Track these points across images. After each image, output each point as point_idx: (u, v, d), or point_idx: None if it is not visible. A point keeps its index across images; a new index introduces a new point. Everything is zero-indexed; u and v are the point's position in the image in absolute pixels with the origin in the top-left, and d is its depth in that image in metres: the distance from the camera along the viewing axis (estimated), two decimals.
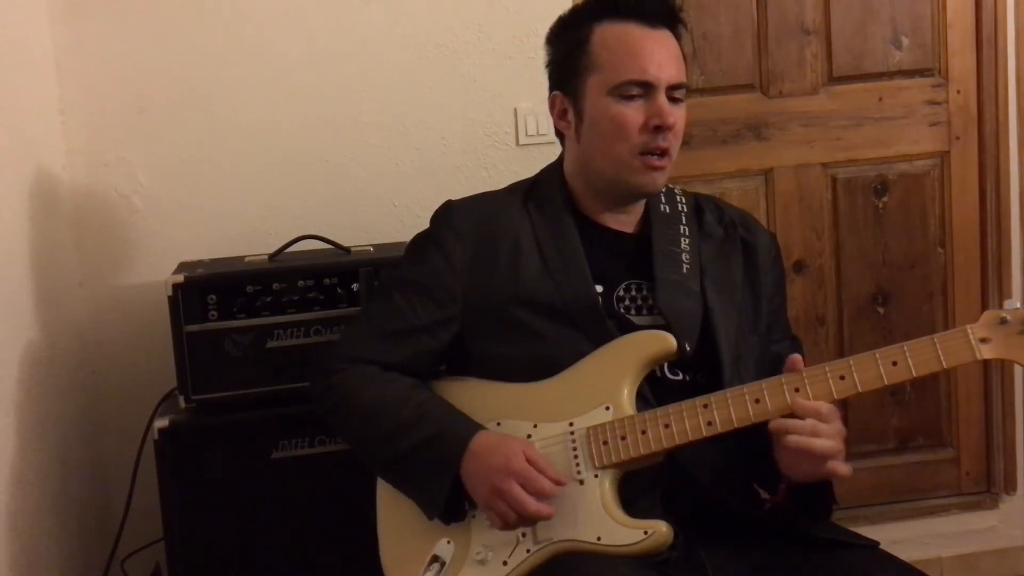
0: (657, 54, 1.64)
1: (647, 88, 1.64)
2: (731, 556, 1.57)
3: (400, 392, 1.67)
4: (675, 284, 1.68)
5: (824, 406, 1.50)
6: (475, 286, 1.69)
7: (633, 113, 1.64)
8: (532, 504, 1.50)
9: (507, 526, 1.53)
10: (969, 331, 1.47)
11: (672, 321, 1.64)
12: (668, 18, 1.68)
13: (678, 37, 1.70)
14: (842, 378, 1.50)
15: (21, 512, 1.94)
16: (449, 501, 1.58)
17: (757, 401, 1.51)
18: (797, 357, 1.54)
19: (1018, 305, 1.48)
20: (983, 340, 1.47)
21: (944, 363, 1.47)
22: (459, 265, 1.70)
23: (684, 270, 1.70)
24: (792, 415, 1.50)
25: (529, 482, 1.51)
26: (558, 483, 1.53)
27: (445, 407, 1.66)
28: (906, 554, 1.61)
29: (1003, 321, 1.47)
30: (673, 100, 1.66)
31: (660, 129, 1.63)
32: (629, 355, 1.59)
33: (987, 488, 2.87)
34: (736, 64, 2.68)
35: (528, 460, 1.53)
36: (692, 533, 1.56)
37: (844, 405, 2.72)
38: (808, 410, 1.49)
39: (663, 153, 1.65)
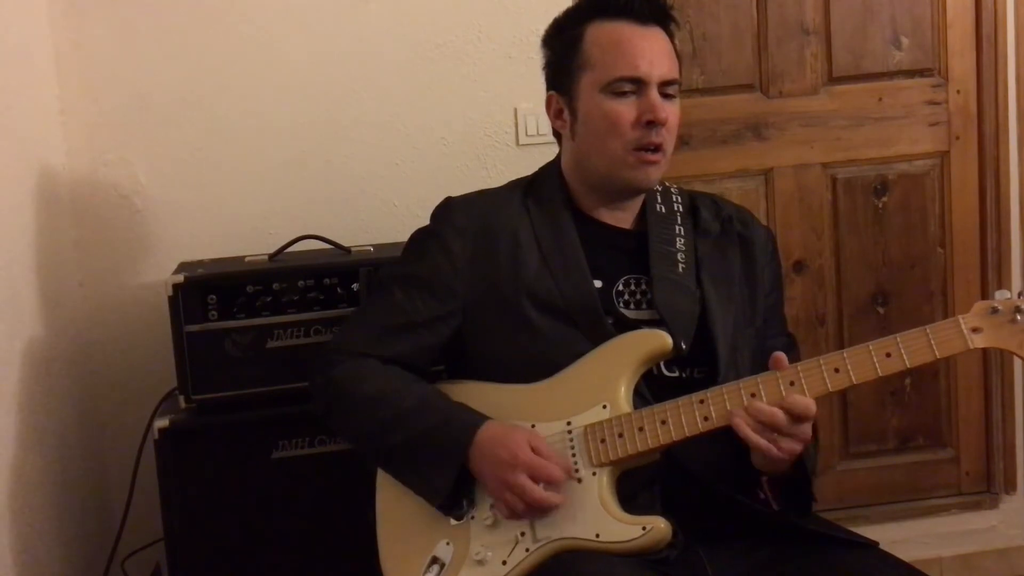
0: (648, 51, 1.65)
1: (639, 84, 1.65)
2: (731, 555, 1.58)
3: (403, 383, 1.68)
4: (672, 282, 1.69)
5: (813, 408, 1.50)
6: (476, 282, 1.70)
7: (625, 109, 1.65)
8: (539, 493, 1.52)
9: (515, 516, 1.54)
10: (961, 321, 1.48)
11: (668, 319, 1.65)
12: (658, 16, 1.70)
13: (670, 35, 1.71)
14: (836, 371, 1.50)
15: (21, 512, 1.94)
16: (452, 490, 1.59)
17: (752, 395, 1.51)
18: (781, 355, 1.53)
19: (1008, 295, 1.48)
20: (975, 330, 1.47)
21: (937, 353, 1.48)
22: (460, 261, 1.71)
23: (680, 269, 1.71)
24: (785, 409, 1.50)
25: (537, 471, 1.52)
26: (566, 470, 1.54)
27: (448, 399, 1.67)
28: (906, 554, 1.61)
29: (994, 310, 1.47)
30: (666, 96, 1.67)
31: (653, 124, 1.64)
32: (626, 354, 1.59)
33: (987, 488, 2.87)
34: (736, 64, 2.68)
35: (534, 450, 1.54)
36: (692, 532, 1.56)
37: (844, 405, 2.77)
38: (800, 407, 1.49)
39: (656, 148, 1.66)
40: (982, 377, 2.84)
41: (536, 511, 1.53)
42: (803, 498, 1.64)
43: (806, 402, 1.49)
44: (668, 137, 1.67)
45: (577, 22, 1.71)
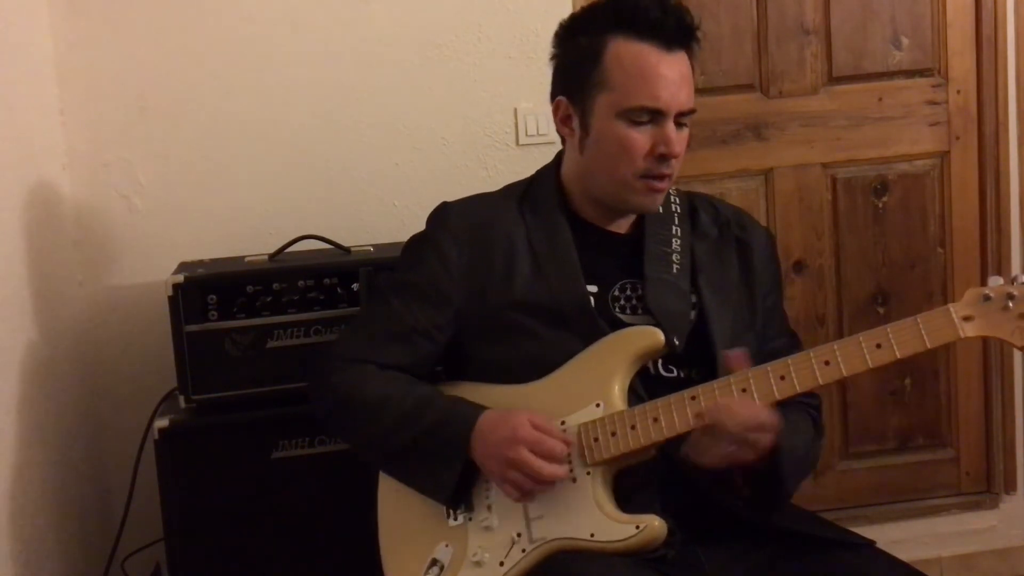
0: (671, 81, 1.63)
1: (656, 115, 1.64)
2: (728, 555, 1.58)
3: (401, 386, 1.68)
4: (664, 284, 1.69)
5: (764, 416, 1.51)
6: (471, 289, 1.70)
7: (640, 138, 1.64)
8: (546, 467, 1.52)
9: (525, 496, 1.54)
10: (952, 309, 1.46)
11: (661, 319, 1.65)
12: (686, 40, 1.66)
13: (692, 55, 1.68)
14: (827, 363, 1.49)
15: (21, 512, 1.94)
16: (458, 485, 1.59)
17: (743, 390, 1.51)
18: (732, 355, 1.54)
19: (1000, 281, 1.46)
20: (966, 318, 1.45)
21: (928, 343, 1.46)
22: (455, 268, 1.71)
23: (674, 270, 1.71)
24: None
25: (538, 446, 1.52)
26: (567, 442, 1.54)
27: (446, 396, 1.67)
28: (906, 554, 1.61)
29: (986, 298, 1.45)
30: (679, 125, 1.66)
31: (664, 157, 1.64)
32: (619, 351, 1.60)
33: (987, 488, 2.87)
34: (736, 64, 2.68)
35: (535, 427, 1.54)
36: (690, 531, 1.56)
37: (844, 405, 2.77)
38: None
39: (665, 177, 1.66)
40: (982, 377, 2.83)
41: (542, 486, 1.53)
42: (775, 493, 1.62)
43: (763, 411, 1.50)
44: (676, 165, 1.68)
45: (599, 31, 1.66)
